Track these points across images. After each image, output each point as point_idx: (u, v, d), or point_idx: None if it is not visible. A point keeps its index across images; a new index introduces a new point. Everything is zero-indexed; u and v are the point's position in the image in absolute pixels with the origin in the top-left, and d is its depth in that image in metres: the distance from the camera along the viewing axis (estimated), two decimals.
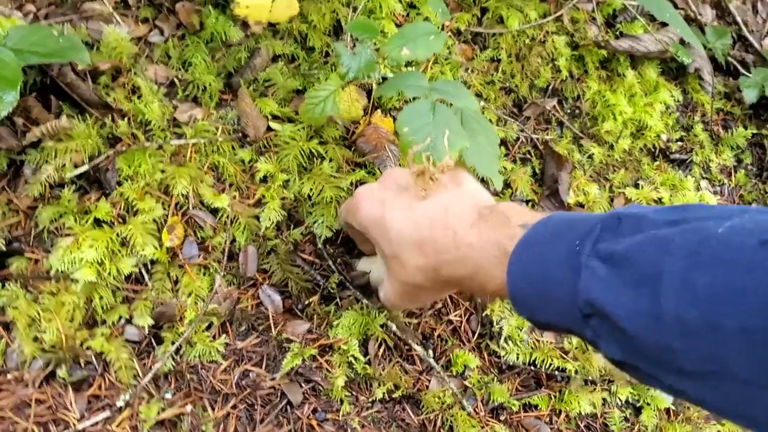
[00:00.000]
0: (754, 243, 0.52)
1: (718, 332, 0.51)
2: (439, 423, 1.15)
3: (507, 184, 1.43)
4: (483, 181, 1.35)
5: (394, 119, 1.30)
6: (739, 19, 1.83)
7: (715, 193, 1.66)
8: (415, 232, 0.88)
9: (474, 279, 0.82)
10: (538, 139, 1.48)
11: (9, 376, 0.95)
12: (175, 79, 1.19)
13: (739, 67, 1.74)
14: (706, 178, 1.67)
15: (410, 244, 0.88)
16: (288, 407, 1.07)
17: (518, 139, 1.46)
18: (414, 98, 1.07)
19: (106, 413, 0.97)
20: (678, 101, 1.64)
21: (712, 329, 0.51)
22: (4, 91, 0.92)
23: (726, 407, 0.55)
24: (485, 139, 1.11)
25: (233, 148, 1.19)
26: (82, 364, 0.99)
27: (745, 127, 1.72)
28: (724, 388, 0.53)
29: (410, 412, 1.15)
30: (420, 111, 1.04)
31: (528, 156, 1.47)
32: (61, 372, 0.97)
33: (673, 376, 0.57)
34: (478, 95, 1.43)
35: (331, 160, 1.22)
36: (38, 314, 0.98)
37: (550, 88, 1.53)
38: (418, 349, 1.17)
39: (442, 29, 1.22)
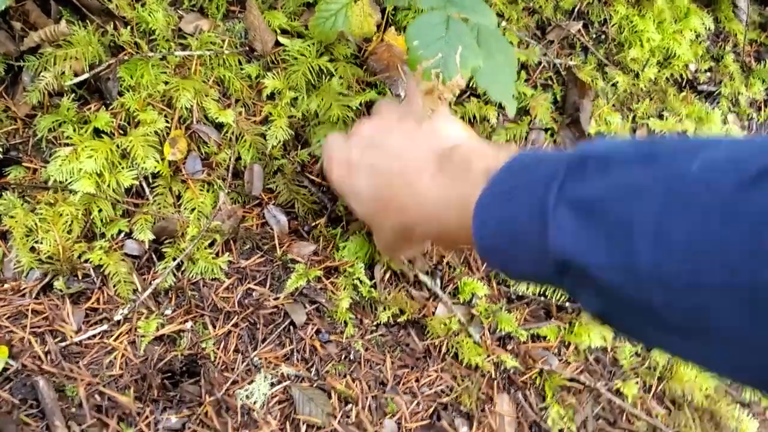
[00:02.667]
0: (732, 184, 0.46)
1: (699, 289, 0.46)
2: (444, 349, 1.13)
3: (526, 111, 1.38)
4: (500, 107, 1.31)
5: None
6: None
7: (742, 127, 1.60)
8: (378, 192, 0.85)
9: (442, 236, 0.78)
10: (560, 64, 1.41)
11: (6, 286, 0.93)
12: None
13: None
14: (734, 112, 1.60)
15: (377, 207, 0.86)
16: (291, 327, 1.05)
17: (540, 63, 1.40)
18: (428, 10, 1.01)
19: (104, 327, 0.95)
20: (709, 29, 1.56)
21: (692, 285, 0.46)
22: None
23: (713, 365, 0.51)
24: (503, 59, 1.05)
25: (240, 62, 1.15)
26: (80, 277, 0.97)
27: None
28: (710, 345, 0.49)
29: (415, 337, 1.12)
30: (432, 24, 0.98)
31: (549, 82, 1.41)
32: (59, 284, 0.95)
33: (656, 331, 0.53)
34: (500, 15, 1.37)
35: (341, 78, 1.17)
36: (35, 224, 0.96)
37: (576, 10, 1.45)
38: (424, 278, 1.14)
39: None
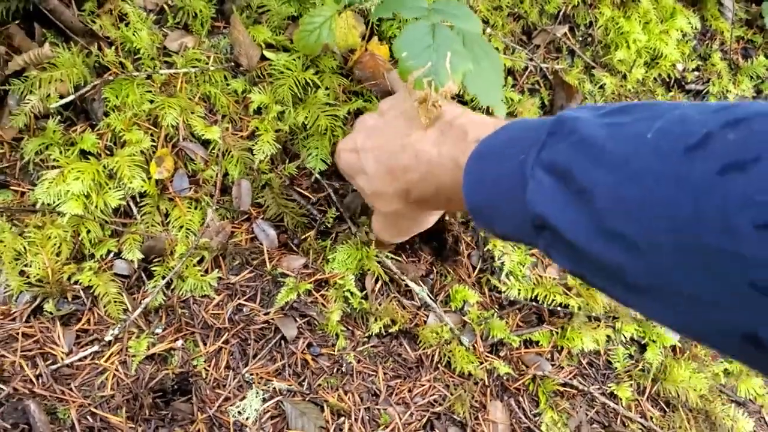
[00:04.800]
0: (681, 149, 0.49)
1: (658, 249, 0.49)
2: (436, 358, 1.13)
3: (514, 116, 1.38)
4: (488, 112, 1.31)
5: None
6: None
7: None
8: (386, 161, 0.92)
9: (439, 195, 0.85)
10: (547, 68, 1.42)
11: None
12: (165, 6, 1.15)
13: None
14: None
15: (383, 174, 0.92)
16: (282, 342, 1.06)
17: (527, 68, 1.40)
18: (412, 20, 1.01)
19: (95, 348, 0.96)
20: (696, 28, 1.57)
21: (651, 246, 0.49)
22: None
23: (677, 323, 0.54)
24: (489, 64, 1.05)
25: (226, 78, 1.15)
26: (70, 299, 0.98)
27: (766, 56, 1.64)
28: (672, 303, 0.51)
29: (407, 347, 1.13)
30: (419, 34, 0.99)
31: (536, 86, 1.42)
32: (49, 306, 0.96)
33: (622, 289, 0.56)
34: (485, 21, 1.37)
35: (327, 89, 1.17)
36: (24, 248, 0.97)
37: (561, 14, 1.46)
38: (414, 286, 1.15)
39: None
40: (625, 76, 1.49)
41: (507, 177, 0.65)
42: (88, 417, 0.91)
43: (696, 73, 1.58)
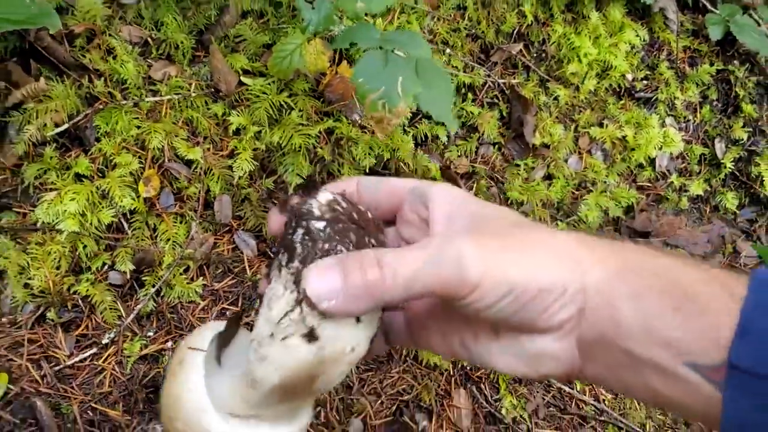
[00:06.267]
0: None
1: None
2: (405, 352, 1.25)
3: (474, 128, 1.50)
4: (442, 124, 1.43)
5: None
6: None
7: (680, 129, 1.72)
8: None
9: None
10: (504, 83, 1.54)
11: (3, 319, 1.05)
12: (149, 39, 1.26)
13: (707, 4, 1.78)
14: (672, 115, 1.72)
15: None
16: None
17: (485, 84, 1.52)
18: (368, 49, 1.14)
19: (93, 350, 1.07)
20: (644, 40, 1.69)
21: None
22: None
23: None
24: (440, 84, 1.17)
25: (206, 102, 1.26)
26: (70, 307, 1.09)
27: (711, 64, 1.77)
28: None
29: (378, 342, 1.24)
30: (373, 61, 1.11)
31: (495, 100, 1.53)
32: (51, 314, 1.07)
33: None
34: (445, 43, 1.49)
35: (300, 111, 1.29)
36: (27, 263, 1.08)
37: (516, 32, 1.58)
38: None
39: None
40: (578, 88, 1.61)
41: None
42: (89, 411, 1.02)
43: (645, 82, 1.70)
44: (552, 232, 0.59)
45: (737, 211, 1.79)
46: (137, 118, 1.19)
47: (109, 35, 1.22)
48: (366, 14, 1.23)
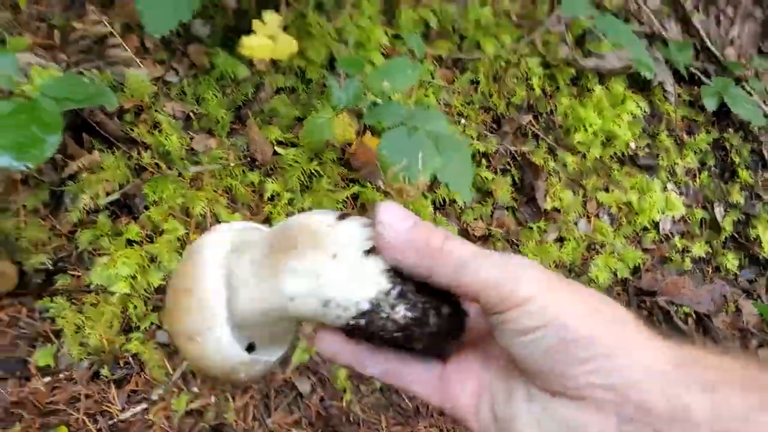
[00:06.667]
0: None
1: None
2: (431, 407, 1.31)
3: (489, 193, 1.59)
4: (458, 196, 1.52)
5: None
6: (702, 32, 1.99)
7: (680, 194, 1.82)
8: None
9: None
10: (516, 151, 1.64)
11: (61, 376, 1.12)
12: (191, 113, 1.36)
13: (702, 77, 1.90)
14: (673, 181, 1.83)
15: None
16: (298, 397, 1.24)
17: (498, 151, 1.62)
18: (392, 125, 1.24)
19: (144, 405, 1.14)
20: (644, 111, 1.80)
21: None
22: (48, 135, 1.09)
23: None
24: (458, 158, 1.27)
25: (244, 171, 1.36)
26: (122, 365, 1.16)
27: (708, 132, 1.88)
28: None
29: (405, 398, 1.31)
30: (398, 136, 1.21)
31: (507, 167, 1.63)
32: (104, 371, 1.14)
33: None
34: (460, 114, 1.60)
35: (329, 178, 1.38)
36: (82, 322, 1.15)
37: (525, 104, 1.69)
38: None
39: (424, 59, 1.39)
40: (584, 155, 1.72)
41: None
42: None
43: (647, 149, 1.81)
44: (647, 335, 0.50)
45: (738, 272, 1.88)
46: (181, 186, 1.28)
47: (155, 110, 1.32)
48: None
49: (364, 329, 0.53)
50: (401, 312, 0.53)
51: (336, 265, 0.53)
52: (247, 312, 0.56)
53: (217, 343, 0.55)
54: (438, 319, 0.54)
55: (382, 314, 0.53)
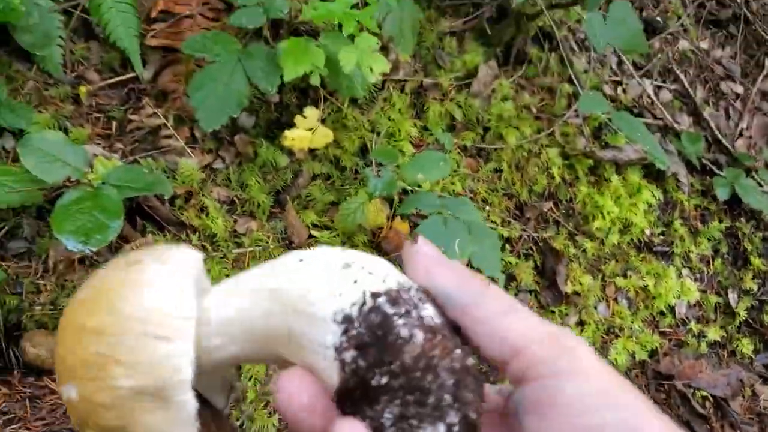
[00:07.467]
0: None
1: None
2: None
3: (512, 277, 1.67)
4: (492, 279, 1.60)
5: (410, 224, 1.55)
6: (712, 124, 2.09)
7: (695, 280, 1.89)
8: None
9: None
10: (537, 236, 1.72)
11: None
12: (235, 198, 1.46)
13: (714, 168, 2.00)
14: (687, 267, 1.90)
15: None
16: None
17: (521, 237, 1.71)
18: (429, 214, 1.33)
19: None
20: (659, 200, 1.89)
21: None
22: (111, 220, 1.18)
23: None
24: (489, 244, 1.36)
25: (282, 253, 1.44)
26: None
27: (720, 221, 1.96)
28: None
29: None
30: (435, 224, 1.30)
31: (530, 251, 1.72)
32: None
33: None
34: (484, 201, 1.69)
35: None
36: None
37: (546, 192, 1.78)
38: None
39: (450, 152, 1.49)
40: (602, 241, 1.80)
41: None
42: None
43: (662, 237, 1.89)
44: None
45: (753, 356, 1.93)
46: (225, 267, 1.37)
47: (203, 195, 1.42)
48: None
49: None
50: None
51: None
52: None
53: None
54: None
55: None
